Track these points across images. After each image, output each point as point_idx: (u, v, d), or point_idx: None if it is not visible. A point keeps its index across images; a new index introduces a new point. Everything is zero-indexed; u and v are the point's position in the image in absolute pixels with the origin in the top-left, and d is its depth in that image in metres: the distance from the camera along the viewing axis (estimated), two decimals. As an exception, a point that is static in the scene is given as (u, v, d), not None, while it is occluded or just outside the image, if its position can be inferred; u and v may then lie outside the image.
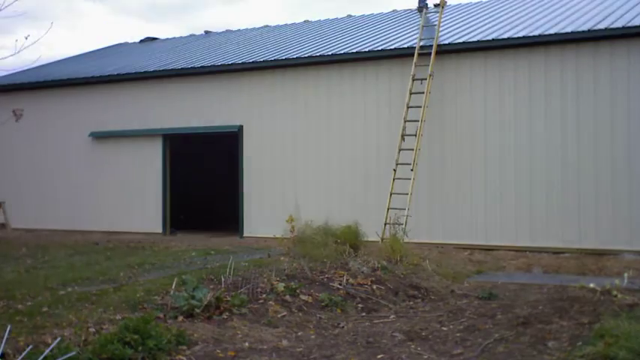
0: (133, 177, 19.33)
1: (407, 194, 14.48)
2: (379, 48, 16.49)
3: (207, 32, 25.83)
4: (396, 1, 43.95)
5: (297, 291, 9.15)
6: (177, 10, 60.68)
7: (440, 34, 15.73)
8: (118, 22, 61.76)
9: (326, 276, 10.00)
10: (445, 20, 16.92)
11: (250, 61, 18.03)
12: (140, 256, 13.30)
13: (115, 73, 20.21)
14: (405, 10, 21.76)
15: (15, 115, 10.93)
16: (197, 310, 8.05)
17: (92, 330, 7.25)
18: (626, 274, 10.19)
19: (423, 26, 15.92)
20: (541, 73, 14.58)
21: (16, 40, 8.33)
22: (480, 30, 16.25)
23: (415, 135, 14.78)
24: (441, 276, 11.12)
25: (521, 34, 14.93)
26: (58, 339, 6.51)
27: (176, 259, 12.82)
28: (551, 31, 14.70)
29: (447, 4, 16.66)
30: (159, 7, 61.96)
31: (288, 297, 8.97)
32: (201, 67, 18.77)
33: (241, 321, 7.98)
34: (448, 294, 10.10)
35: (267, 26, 24.61)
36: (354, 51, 16.70)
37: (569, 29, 14.54)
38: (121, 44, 27.17)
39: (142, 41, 26.72)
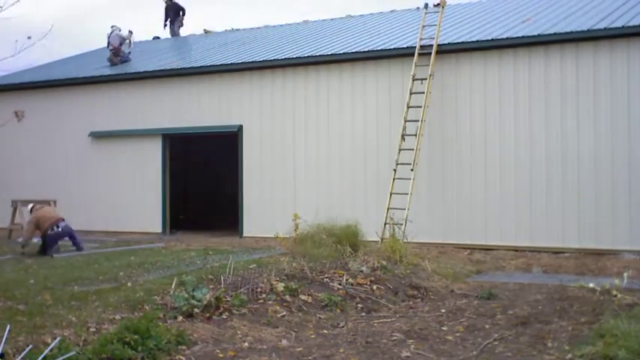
0: (132, 177, 19.34)
1: (407, 194, 14.48)
2: (379, 48, 16.49)
3: (206, 32, 25.83)
4: (396, 1, 43.90)
5: (297, 291, 9.15)
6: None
7: (440, 33, 15.73)
8: (118, 21, 61.72)
9: (326, 276, 10.00)
10: (445, 20, 16.91)
11: (250, 60, 18.04)
12: (140, 256, 13.30)
13: (115, 73, 20.22)
14: (405, 10, 21.77)
15: (17, 116, 10.99)
16: (197, 310, 8.05)
17: (92, 330, 7.26)
18: (625, 274, 10.19)
19: (423, 26, 15.92)
20: (541, 73, 14.58)
21: (16, 41, 8.29)
22: (479, 30, 16.26)
23: (415, 135, 14.79)
24: (441, 276, 11.12)
25: (520, 34, 14.94)
26: (58, 339, 6.51)
27: (176, 258, 12.82)
28: (551, 31, 14.70)
29: (447, 3, 16.63)
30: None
31: (287, 297, 8.97)
32: (201, 67, 18.78)
33: (241, 321, 7.99)
34: (448, 294, 10.10)
35: (267, 26, 24.61)
36: (354, 51, 16.70)
37: (568, 29, 14.55)
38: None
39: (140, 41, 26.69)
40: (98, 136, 19.87)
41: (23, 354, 6.00)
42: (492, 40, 15.08)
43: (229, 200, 19.42)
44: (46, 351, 6.02)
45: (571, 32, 14.34)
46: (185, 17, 25.49)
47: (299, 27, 22.78)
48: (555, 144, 14.39)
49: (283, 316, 8.44)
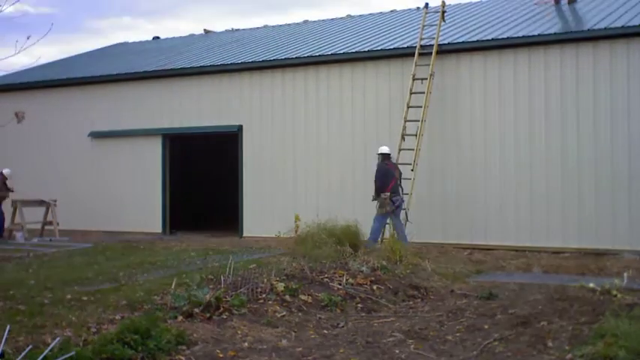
0: (132, 177, 19.34)
1: (407, 194, 14.48)
2: (379, 48, 16.50)
3: (206, 32, 25.83)
4: (396, 1, 43.98)
5: (297, 291, 9.15)
6: (177, 9, 60.68)
7: (440, 33, 15.73)
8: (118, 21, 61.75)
9: (326, 276, 10.00)
10: (445, 20, 16.90)
11: (250, 60, 18.04)
12: (140, 256, 13.30)
13: (115, 73, 20.22)
14: (405, 10, 21.79)
15: (17, 117, 10.95)
16: (197, 310, 8.05)
17: (92, 330, 7.26)
18: (625, 274, 10.19)
19: (423, 26, 15.93)
20: (540, 73, 14.58)
21: (17, 41, 8.28)
22: (479, 30, 16.26)
23: (415, 135, 14.80)
24: (441, 276, 11.11)
25: (520, 34, 14.94)
26: (58, 339, 6.51)
27: (176, 259, 12.82)
28: (551, 31, 14.71)
29: (447, 4, 16.62)
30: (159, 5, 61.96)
31: (287, 297, 8.97)
32: (201, 67, 18.78)
33: (241, 321, 7.98)
34: (448, 294, 10.09)
35: (266, 26, 24.61)
36: (354, 51, 16.71)
37: (568, 29, 14.55)
38: (120, 44, 27.18)
39: (142, 41, 26.72)
40: (98, 136, 19.87)
41: (23, 354, 5.99)
42: (492, 40, 15.08)
43: (229, 200, 19.42)
44: (46, 351, 6.01)
45: (571, 32, 14.36)
46: None
47: (299, 27, 22.79)
48: (555, 144, 14.39)
49: (283, 316, 8.44)
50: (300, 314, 8.60)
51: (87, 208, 19.64)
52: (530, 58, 14.70)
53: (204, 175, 23.34)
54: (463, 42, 15.44)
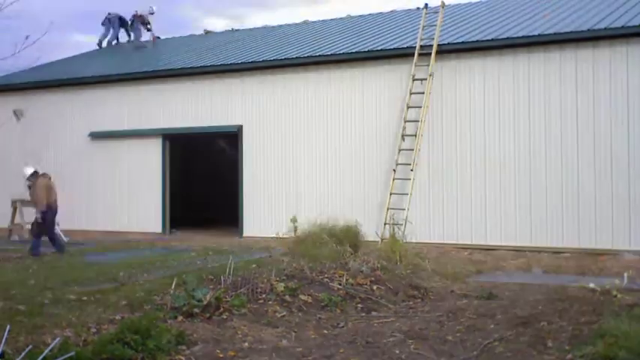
0: (132, 177, 19.34)
1: (407, 194, 14.50)
2: (379, 48, 16.50)
3: (206, 32, 25.82)
4: (395, 1, 43.98)
5: (297, 291, 9.15)
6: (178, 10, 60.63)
7: (440, 33, 15.73)
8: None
9: (326, 276, 9.99)
10: (445, 20, 16.92)
11: (250, 61, 18.05)
12: (140, 256, 13.29)
13: (115, 73, 20.22)
14: (404, 10, 21.78)
15: (16, 116, 10.96)
16: (197, 310, 8.05)
17: (92, 330, 7.26)
18: (625, 274, 10.20)
19: (423, 26, 15.93)
20: (540, 73, 14.58)
21: (16, 44, 8.28)
22: (479, 30, 16.26)
23: (415, 135, 14.80)
24: (441, 276, 11.12)
25: (520, 34, 14.94)
26: (58, 339, 6.51)
27: (176, 258, 12.82)
28: (551, 31, 14.71)
29: (447, 4, 16.64)
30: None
31: (287, 297, 8.97)
32: (201, 67, 18.78)
33: (241, 321, 7.98)
34: (448, 294, 10.09)
35: (266, 26, 24.61)
36: (354, 51, 16.71)
37: (568, 29, 14.55)
38: (121, 44, 27.13)
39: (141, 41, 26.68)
40: (98, 136, 19.87)
41: (23, 354, 5.99)
42: (492, 40, 15.09)
43: (229, 200, 19.42)
44: (46, 351, 6.01)
45: (571, 32, 14.35)
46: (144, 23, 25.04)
47: (299, 27, 22.79)
48: (555, 143, 14.39)
49: (283, 316, 8.44)
50: (300, 314, 8.60)
51: (87, 208, 19.64)
52: (530, 58, 14.70)
53: (204, 175, 23.34)
54: (463, 42, 15.44)
